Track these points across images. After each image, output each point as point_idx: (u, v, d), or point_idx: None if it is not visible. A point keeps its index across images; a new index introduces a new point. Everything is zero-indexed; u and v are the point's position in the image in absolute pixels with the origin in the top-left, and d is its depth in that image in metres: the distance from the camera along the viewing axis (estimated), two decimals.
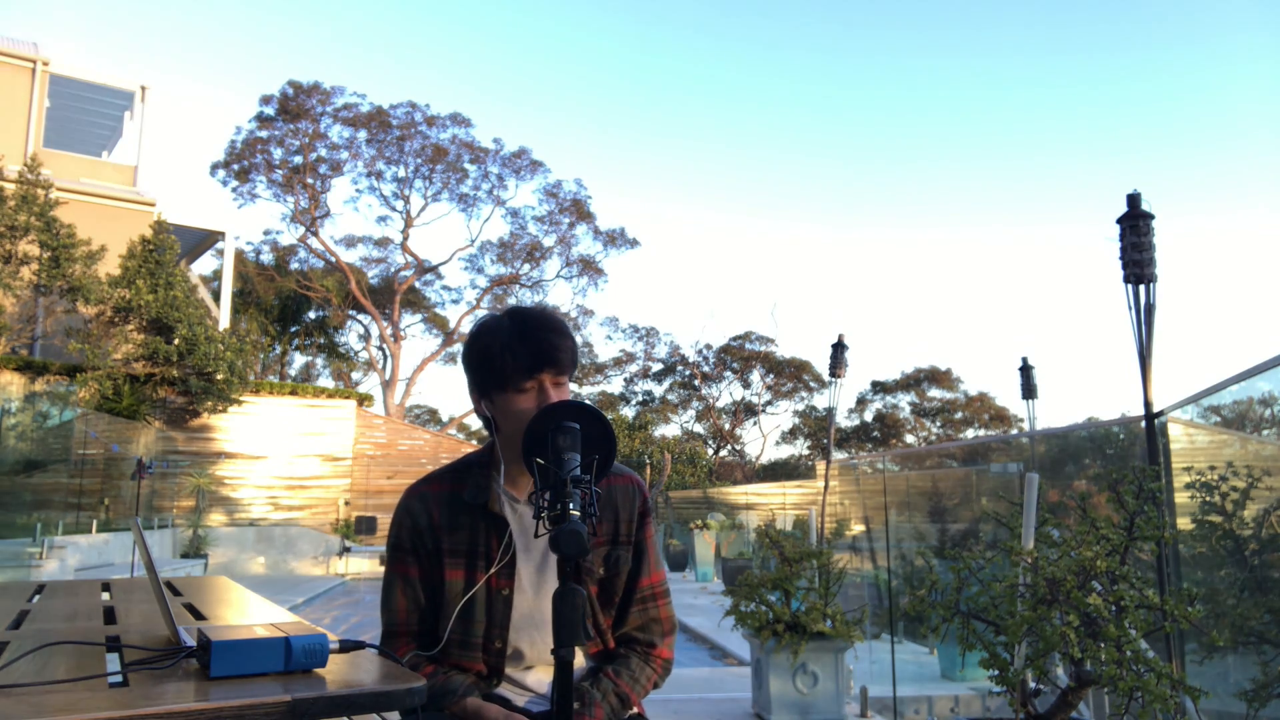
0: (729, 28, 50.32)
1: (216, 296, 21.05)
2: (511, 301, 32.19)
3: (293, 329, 31.51)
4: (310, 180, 28.81)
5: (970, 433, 34.03)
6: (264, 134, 28.36)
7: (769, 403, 36.51)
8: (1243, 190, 48.05)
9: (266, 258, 30.68)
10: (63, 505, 13.45)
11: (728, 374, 36.49)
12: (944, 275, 52.96)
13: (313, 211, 29.15)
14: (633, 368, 36.97)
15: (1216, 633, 3.10)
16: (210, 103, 52.98)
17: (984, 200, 50.83)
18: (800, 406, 36.20)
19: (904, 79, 49.46)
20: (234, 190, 28.49)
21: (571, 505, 1.28)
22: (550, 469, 1.36)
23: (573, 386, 1.74)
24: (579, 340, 26.48)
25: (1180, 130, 47.02)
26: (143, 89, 19.58)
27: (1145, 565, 3.46)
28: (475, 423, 37.92)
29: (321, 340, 32.94)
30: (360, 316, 32.30)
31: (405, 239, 31.03)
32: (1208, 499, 3.33)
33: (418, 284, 32.49)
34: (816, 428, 34.70)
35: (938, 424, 35.16)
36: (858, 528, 9.85)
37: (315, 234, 29.56)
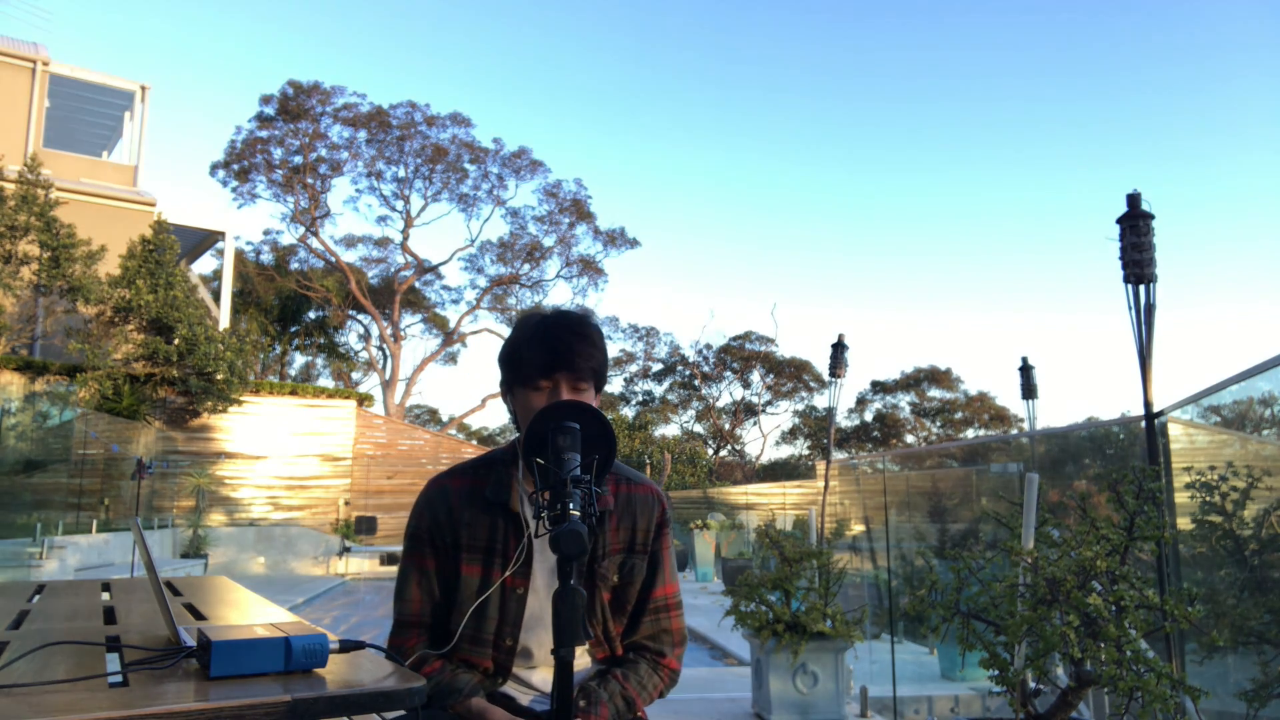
0: (729, 27, 50.37)
1: (216, 296, 21.04)
2: (511, 301, 32.21)
3: (293, 329, 31.49)
4: (310, 180, 28.80)
5: (970, 433, 34.01)
6: (264, 134, 28.35)
7: (769, 403, 36.53)
8: (1243, 190, 48.08)
9: (266, 258, 30.69)
10: (63, 505, 13.44)
11: (728, 374, 36.49)
12: (944, 275, 53.02)
13: (313, 211, 29.14)
14: (633, 368, 36.99)
15: (1216, 633, 3.10)
16: (210, 103, 53.06)
17: (984, 200, 50.87)
18: (800, 406, 36.24)
19: (904, 78, 49.53)
20: (234, 190, 28.52)
21: (571, 505, 1.28)
22: (550, 469, 1.36)
23: None
24: None
25: (1181, 130, 47.06)
26: (143, 89, 19.58)
27: (1145, 565, 3.46)
28: (476, 423, 37.97)
29: (321, 340, 32.92)
30: (360, 316, 32.30)
31: (405, 239, 31.04)
32: (1208, 499, 3.33)
33: (418, 284, 32.48)
34: (816, 428, 34.69)
35: (938, 424, 35.15)
36: (858, 528, 9.85)
37: (315, 234, 29.56)
